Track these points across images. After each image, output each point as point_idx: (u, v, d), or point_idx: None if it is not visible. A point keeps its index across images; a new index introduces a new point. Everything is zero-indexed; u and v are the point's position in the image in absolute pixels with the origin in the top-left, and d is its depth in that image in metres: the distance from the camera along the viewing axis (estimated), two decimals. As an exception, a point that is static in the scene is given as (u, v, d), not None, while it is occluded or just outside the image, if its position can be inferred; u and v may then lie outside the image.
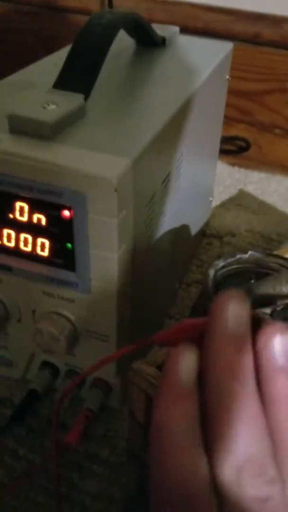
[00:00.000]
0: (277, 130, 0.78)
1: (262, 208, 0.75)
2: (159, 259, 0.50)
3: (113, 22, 0.42)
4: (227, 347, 0.20)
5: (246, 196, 0.77)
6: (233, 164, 0.81)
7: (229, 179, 0.79)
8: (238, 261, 0.34)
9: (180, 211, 0.54)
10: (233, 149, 0.81)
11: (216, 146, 0.62)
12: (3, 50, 0.88)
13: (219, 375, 0.20)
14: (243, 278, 0.33)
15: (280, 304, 0.28)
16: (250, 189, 0.78)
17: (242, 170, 0.81)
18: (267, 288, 0.30)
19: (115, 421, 0.45)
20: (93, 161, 0.33)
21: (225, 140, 0.81)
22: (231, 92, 0.79)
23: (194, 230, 0.62)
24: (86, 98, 0.38)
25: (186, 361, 0.22)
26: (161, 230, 0.48)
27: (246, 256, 0.34)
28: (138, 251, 0.42)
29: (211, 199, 0.68)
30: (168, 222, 0.51)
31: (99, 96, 0.41)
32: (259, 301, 0.29)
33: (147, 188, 0.40)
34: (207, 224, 0.70)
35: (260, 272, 0.32)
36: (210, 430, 0.20)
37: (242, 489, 0.18)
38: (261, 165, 0.81)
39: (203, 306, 0.31)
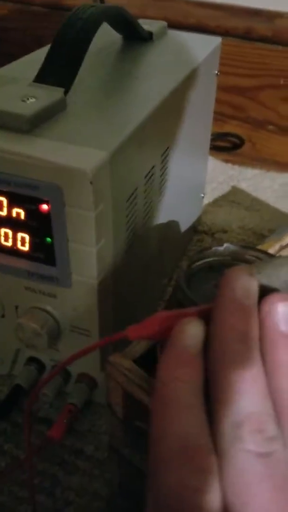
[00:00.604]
0: (270, 127, 0.78)
1: (255, 204, 0.75)
2: (145, 254, 0.50)
3: (95, 15, 0.41)
4: (234, 314, 0.21)
5: (239, 193, 0.77)
6: (226, 161, 0.81)
7: (223, 176, 0.79)
8: (214, 254, 0.34)
9: (169, 206, 0.54)
10: (227, 146, 0.81)
11: (206, 141, 0.62)
12: (3, 49, 0.88)
13: (223, 338, 0.20)
14: (218, 271, 0.33)
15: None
16: (244, 185, 0.78)
17: (236, 167, 0.80)
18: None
19: (100, 416, 0.45)
20: (69, 154, 0.32)
21: (218, 136, 0.80)
22: (224, 88, 0.79)
23: (184, 226, 0.62)
24: (67, 92, 0.38)
25: (193, 329, 0.22)
26: (146, 225, 0.48)
27: (221, 248, 0.34)
28: (121, 246, 0.42)
29: (202, 195, 0.68)
30: (155, 217, 0.51)
31: (82, 90, 0.41)
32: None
33: (127, 182, 0.40)
34: (198, 221, 0.69)
35: (236, 264, 0.31)
36: (213, 389, 0.20)
37: (241, 444, 0.18)
38: (255, 161, 0.80)
39: (176, 299, 0.30)
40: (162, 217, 0.53)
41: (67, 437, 0.43)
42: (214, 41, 0.56)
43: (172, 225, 0.57)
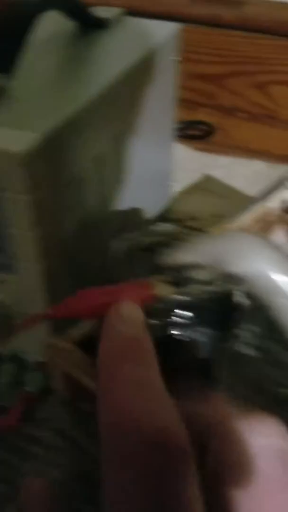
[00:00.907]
0: (241, 114, 0.78)
1: (227, 192, 0.74)
2: (104, 240, 0.49)
3: (41, 1, 0.41)
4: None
5: (211, 181, 0.76)
6: (199, 149, 0.81)
7: (195, 164, 0.79)
8: (150, 234, 0.34)
9: (129, 195, 0.54)
10: (199, 134, 0.81)
11: (169, 129, 0.61)
12: None
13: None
14: (154, 251, 0.33)
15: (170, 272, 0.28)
16: (216, 173, 0.77)
17: (208, 155, 0.80)
18: (172, 257, 0.29)
19: (58, 404, 0.45)
20: (1, 137, 0.32)
21: (189, 125, 0.80)
22: (193, 76, 0.78)
23: (150, 214, 0.61)
24: (8, 78, 0.38)
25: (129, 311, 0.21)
26: (102, 211, 0.48)
27: (157, 228, 0.34)
28: (70, 231, 0.42)
29: (170, 183, 0.67)
30: (112, 204, 0.50)
31: (27, 75, 0.41)
32: (161, 271, 0.29)
33: (71, 167, 0.39)
34: (168, 210, 0.69)
35: (172, 244, 0.31)
36: None
37: None
38: (227, 149, 0.80)
39: (110, 278, 0.30)
40: (122, 204, 0.53)
41: (24, 425, 0.43)
42: (171, 27, 0.55)
43: (135, 213, 0.57)
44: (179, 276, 0.28)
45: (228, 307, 0.31)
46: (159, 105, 0.56)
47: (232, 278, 0.27)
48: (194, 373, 0.31)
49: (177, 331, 0.30)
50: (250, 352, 0.27)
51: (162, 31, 0.54)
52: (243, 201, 0.73)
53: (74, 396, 0.36)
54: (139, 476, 0.16)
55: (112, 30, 0.53)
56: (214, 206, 0.72)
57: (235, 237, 0.27)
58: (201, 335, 0.30)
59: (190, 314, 0.29)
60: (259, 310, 0.29)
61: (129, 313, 0.22)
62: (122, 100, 0.47)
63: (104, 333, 0.21)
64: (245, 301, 0.29)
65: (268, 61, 0.73)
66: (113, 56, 0.48)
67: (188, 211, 0.71)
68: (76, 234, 0.43)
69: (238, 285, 0.28)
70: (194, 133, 0.81)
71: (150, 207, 0.62)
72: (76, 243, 0.44)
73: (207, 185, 0.76)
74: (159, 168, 0.63)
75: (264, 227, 0.51)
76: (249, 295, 0.28)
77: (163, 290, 0.27)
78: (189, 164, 0.79)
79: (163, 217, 0.68)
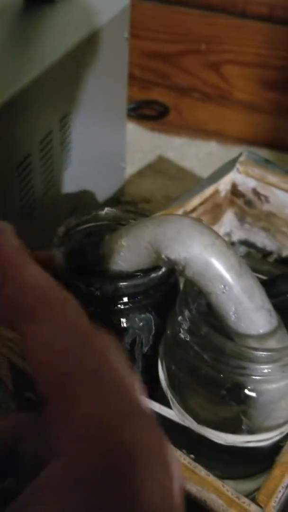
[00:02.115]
0: (195, 94, 0.77)
1: (180, 174, 0.74)
2: (53, 223, 0.49)
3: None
4: None
5: (164, 162, 0.76)
6: (153, 130, 0.80)
7: (149, 145, 0.78)
8: (95, 218, 0.33)
9: (79, 176, 0.53)
10: (153, 114, 0.80)
11: (121, 109, 0.60)
12: None
13: None
14: (98, 236, 0.32)
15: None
16: (170, 155, 0.77)
17: (162, 136, 0.80)
18: (110, 242, 0.29)
19: (4, 391, 0.45)
20: None
21: (143, 104, 0.79)
22: (147, 54, 0.77)
23: (102, 197, 0.61)
24: None
25: None
26: (51, 194, 0.47)
27: (102, 213, 0.33)
28: (15, 214, 0.41)
29: (123, 165, 0.66)
30: (62, 186, 0.49)
31: None
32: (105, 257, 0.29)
33: (15, 147, 0.38)
34: (121, 192, 0.69)
35: (117, 229, 0.31)
36: None
37: None
38: (182, 130, 0.80)
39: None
40: (72, 186, 0.52)
41: None
42: (121, 3, 0.54)
43: (85, 196, 0.56)
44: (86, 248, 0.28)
45: (167, 293, 0.31)
46: (110, 84, 0.55)
47: (168, 263, 0.27)
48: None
49: (115, 316, 0.30)
50: (185, 335, 0.27)
51: (111, 7, 0.53)
52: (195, 183, 0.73)
53: (18, 384, 0.35)
54: None
55: (59, 5, 0.52)
56: (167, 188, 0.72)
57: (171, 221, 0.27)
58: (138, 319, 0.30)
59: (126, 299, 0.29)
60: (195, 294, 0.29)
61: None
62: (69, 78, 0.46)
63: None
64: (181, 285, 0.29)
65: (221, 41, 0.72)
66: (60, 31, 0.46)
67: (141, 193, 0.70)
68: (24, 217, 0.42)
69: (174, 269, 0.28)
70: (148, 113, 0.80)
71: (103, 189, 0.61)
72: (23, 227, 0.43)
73: (160, 167, 0.75)
74: (111, 149, 0.62)
75: (213, 209, 0.51)
76: (185, 279, 0.28)
77: (63, 262, 0.27)
78: (142, 145, 0.78)
79: (116, 199, 0.67)
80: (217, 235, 0.27)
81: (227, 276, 0.26)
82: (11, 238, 0.21)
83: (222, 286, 0.26)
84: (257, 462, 0.30)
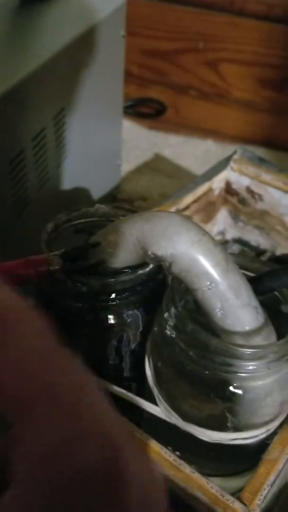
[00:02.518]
0: (192, 92, 0.77)
1: (176, 172, 0.74)
2: (46, 220, 0.49)
3: None
4: None
5: (161, 160, 0.76)
6: (150, 128, 0.80)
7: (146, 143, 0.78)
8: (85, 215, 0.33)
9: (74, 173, 0.53)
10: (150, 112, 0.80)
11: (117, 106, 0.60)
12: None
13: None
14: (88, 232, 0.32)
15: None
16: (167, 152, 0.77)
17: (160, 134, 0.79)
18: (98, 238, 0.29)
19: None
20: None
21: (140, 102, 0.79)
22: (145, 52, 0.77)
23: (97, 194, 0.60)
24: None
25: None
26: (45, 191, 0.47)
27: (92, 209, 0.33)
28: (7, 210, 0.40)
29: (119, 162, 0.66)
30: (55, 183, 0.49)
31: None
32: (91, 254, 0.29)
33: (8, 143, 0.38)
34: (117, 189, 0.69)
35: (106, 225, 0.31)
36: None
37: None
38: (179, 128, 0.79)
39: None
40: (67, 183, 0.52)
41: None
42: (117, 0, 0.54)
43: (81, 192, 0.56)
44: (81, 252, 0.28)
45: (155, 290, 0.31)
46: (106, 81, 0.55)
47: (155, 259, 0.27)
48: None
49: (102, 313, 0.30)
50: (171, 331, 0.27)
51: (107, 5, 0.52)
52: (191, 181, 0.73)
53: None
54: None
55: (56, 3, 0.51)
56: (163, 186, 0.71)
57: (160, 217, 0.27)
58: (126, 316, 0.30)
59: (113, 295, 0.29)
60: (182, 291, 0.29)
61: None
62: (64, 75, 0.46)
63: None
64: (169, 282, 0.29)
65: (219, 39, 0.72)
66: (55, 28, 0.46)
67: (137, 191, 0.70)
68: (16, 213, 0.42)
69: (162, 266, 0.28)
70: (146, 111, 0.80)
71: (98, 186, 0.61)
72: (14, 224, 0.43)
73: (157, 165, 0.75)
74: (106, 146, 0.62)
75: (206, 207, 0.51)
76: (172, 276, 0.28)
77: (58, 265, 0.27)
78: (139, 143, 0.78)
79: (112, 196, 0.67)
80: (204, 231, 0.27)
81: (213, 272, 0.26)
82: None
83: (208, 282, 0.26)
84: (244, 460, 0.30)
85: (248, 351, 0.26)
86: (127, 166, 0.73)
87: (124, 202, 0.69)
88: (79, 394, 0.17)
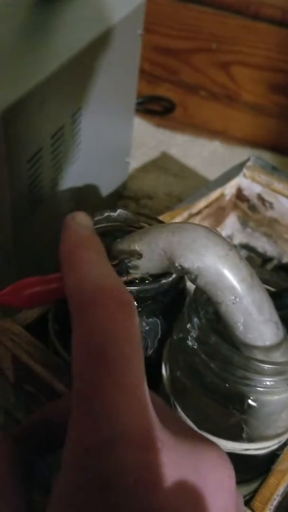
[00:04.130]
0: (202, 92, 0.77)
1: (182, 171, 0.74)
2: (56, 217, 0.49)
3: None
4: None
5: (168, 159, 0.76)
6: (158, 125, 0.80)
7: (153, 141, 0.78)
8: (107, 219, 0.33)
9: (85, 170, 0.53)
10: (159, 110, 0.79)
11: (130, 104, 0.60)
12: None
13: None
14: (112, 236, 0.32)
15: (122, 259, 0.28)
16: (173, 151, 0.77)
17: (167, 132, 0.79)
18: (123, 245, 0.29)
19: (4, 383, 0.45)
20: None
21: (150, 99, 0.79)
22: (158, 49, 0.77)
23: (105, 191, 0.61)
24: None
25: (83, 216, 0.24)
26: (58, 188, 0.47)
27: (115, 214, 0.33)
28: (22, 206, 0.40)
29: (128, 160, 0.66)
30: (68, 180, 0.49)
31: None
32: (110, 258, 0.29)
33: (29, 141, 0.38)
34: (124, 186, 0.69)
35: (130, 231, 0.31)
36: None
37: None
38: (186, 127, 0.80)
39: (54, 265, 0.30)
40: (77, 180, 0.52)
41: None
42: (136, 0, 0.54)
43: (90, 190, 0.56)
44: (125, 264, 0.28)
45: (175, 298, 0.31)
46: (121, 79, 0.55)
47: (181, 271, 0.27)
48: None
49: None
50: (192, 342, 0.28)
51: (127, 4, 0.52)
52: (197, 182, 0.74)
53: (18, 377, 0.36)
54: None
55: (74, 1, 0.51)
56: (169, 186, 0.72)
57: (186, 229, 0.27)
58: (146, 323, 0.30)
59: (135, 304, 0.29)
60: (205, 302, 0.29)
61: (81, 218, 0.24)
62: (83, 73, 0.46)
63: (63, 233, 0.23)
64: (192, 294, 0.29)
65: (232, 41, 0.72)
66: (75, 27, 0.46)
67: (143, 189, 0.70)
68: (28, 211, 0.42)
69: (186, 277, 0.28)
70: (154, 108, 0.80)
71: (106, 184, 0.61)
72: (28, 220, 0.43)
73: (163, 163, 0.75)
74: (117, 144, 0.62)
75: (217, 212, 0.52)
76: (197, 288, 0.28)
77: None
78: (147, 140, 0.78)
79: (118, 193, 0.67)
80: (231, 246, 0.28)
81: (238, 287, 0.27)
82: (81, 235, 0.23)
83: (233, 297, 0.27)
84: (253, 469, 0.31)
85: (268, 367, 0.26)
86: (133, 163, 0.73)
87: (130, 199, 0.69)
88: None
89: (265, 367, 0.26)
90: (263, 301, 0.27)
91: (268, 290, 0.30)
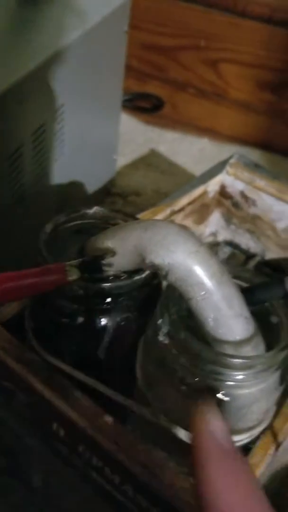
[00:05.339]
0: (191, 89, 0.77)
1: (171, 168, 0.75)
2: (40, 214, 0.49)
3: None
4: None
5: (156, 156, 0.76)
6: (147, 122, 0.80)
7: (142, 138, 0.78)
8: (83, 217, 0.34)
9: (70, 166, 0.53)
10: (148, 107, 0.80)
11: (116, 102, 0.60)
12: None
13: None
14: (86, 233, 0.33)
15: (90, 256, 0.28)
16: (162, 148, 0.77)
17: (156, 129, 0.80)
18: (96, 242, 0.29)
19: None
20: None
21: (138, 96, 0.79)
22: (146, 46, 0.77)
23: (92, 188, 0.61)
24: None
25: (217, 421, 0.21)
26: (41, 184, 0.47)
27: (91, 211, 0.34)
28: (4, 202, 0.41)
29: (115, 157, 0.67)
30: (52, 176, 0.50)
31: None
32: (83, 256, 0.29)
33: (8, 138, 0.38)
34: (112, 183, 0.69)
35: (105, 228, 0.31)
36: None
37: None
38: (176, 124, 0.80)
39: (37, 261, 0.30)
40: (63, 176, 0.52)
41: None
42: (122, -4, 0.54)
43: (76, 186, 0.57)
44: (99, 262, 0.29)
45: (150, 294, 0.32)
46: (106, 77, 0.55)
47: (152, 267, 0.28)
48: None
49: (95, 316, 0.30)
50: (163, 337, 0.28)
51: (111, 1, 0.52)
52: (186, 179, 0.74)
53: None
54: None
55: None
56: (157, 183, 0.72)
57: (158, 226, 0.28)
58: (120, 319, 0.31)
59: (109, 299, 0.30)
60: (178, 299, 0.29)
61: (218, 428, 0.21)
62: (67, 70, 0.46)
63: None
64: (164, 290, 0.30)
65: (220, 38, 0.72)
66: (58, 24, 0.46)
67: (131, 185, 0.71)
68: (10, 207, 0.42)
69: (158, 273, 0.28)
70: (143, 105, 0.80)
71: (93, 181, 0.61)
72: (10, 216, 0.43)
73: (152, 160, 0.76)
74: (104, 142, 0.62)
75: (200, 209, 0.52)
76: (168, 284, 0.29)
77: (76, 275, 0.28)
78: (135, 137, 0.78)
79: (106, 190, 0.68)
80: (201, 243, 0.28)
81: (208, 283, 0.27)
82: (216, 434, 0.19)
83: (203, 292, 0.27)
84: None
85: (237, 361, 0.27)
86: (122, 160, 0.73)
87: (118, 196, 0.69)
88: None
89: (234, 362, 0.26)
90: (233, 296, 0.28)
91: (241, 286, 0.31)
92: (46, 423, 0.33)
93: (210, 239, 0.56)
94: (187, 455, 0.31)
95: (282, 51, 0.70)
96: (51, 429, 0.33)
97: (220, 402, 0.28)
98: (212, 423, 0.20)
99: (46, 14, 0.47)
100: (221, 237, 0.55)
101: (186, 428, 0.29)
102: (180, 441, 0.30)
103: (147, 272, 0.30)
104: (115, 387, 0.31)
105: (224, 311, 0.27)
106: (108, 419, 0.29)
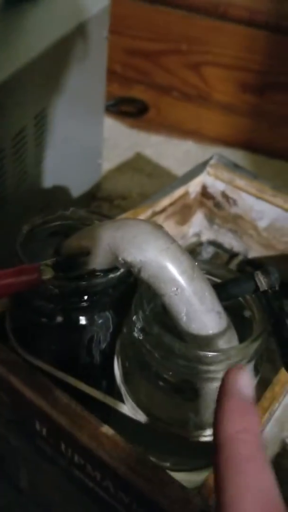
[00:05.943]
0: (175, 93, 0.78)
1: (157, 171, 0.75)
2: (23, 219, 0.49)
3: None
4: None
5: (142, 159, 0.77)
6: (132, 126, 0.81)
7: (127, 142, 0.79)
8: (60, 218, 0.34)
9: (53, 171, 0.53)
10: (133, 111, 0.81)
11: (99, 106, 0.61)
12: None
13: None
14: (63, 234, 0.33)
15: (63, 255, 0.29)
16: (148, 152, 0.78)
17: (141, 133, 0.81)
18: (72, 242, 0.30)
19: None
20: None
21: (123, 101, 0.80)
22: (129, 51, 0.78)
23: (76, 192, 0.61)
24: None
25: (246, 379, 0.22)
26: (24, 187, 0.48)
27: (67, 212, 0.34)
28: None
29: (99, 161, 0.67)
30: (35, 180, 0.50)
31: None
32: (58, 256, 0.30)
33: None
34: (98, 187, 0.69)
35: (81, 228, 0.32)
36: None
37: None
38: (160, 127, 0.81)
39: (13, 262, 0.31)
40: (46, 180, 0.53)
41: None
42: (101, 2, 0.54)
43: (60, 190, 0.57)
44: (73, 261, 0.29)
45: (125, 292, 0.32)
46: (88, 81, 0.56)
47: (125, 265, 0.28)
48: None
49: (73, 314, 0.31)
50: (138, 333, 0.29)
51: (91, 7, 0.53)
52: (171, 182, 0.74)
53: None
54: None
55: (40, 4, 0.52)
56: (143, 186, 0.73)
57: (130, 225, 0.28)
58: (97, 317, 0.31)
59: (84, 297, 0.30)
60: (153, 296, 0.30)
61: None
62: (47, 75, 0.47)
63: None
64: (139, 287, 0.30)
65: (202, 42, 0.73)
66: (38, 30, 0.47)
67: (117, 189, 0.71)
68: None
69: (131, 271, 0.29)
70: (128, 109, 0.81)
71: (78, 185, 0.62)
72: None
73: (137, 164, 0.76)
74: (87, 146, 0.63)
75: (182, 210, 0.53)
76: (141, 282, 0.29)
77: (50, 274, 0.28)
78: (121, 142, 0.79)
79: (91, 195, 0.68)
80: (172, 240, 0.28)
81: (179, 279, 0.28)
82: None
83: (175, 288, 0.28)
84: (204, 457, 0.32)
85: (209, 354, 0.27)
86: (107, 165, 0.74)
87: (104, 200, 0.70)
88: None
89: (206, 355, 0.27)
90: (205, 291, 0.28)
91: (215, 282, 0.31)
92: (29, 423, 0.34)
93: (194, 239, 0.56)
94: (168, 451, 0.32)
95: (263, 53, 0.71)
96: (35, 429, 0.33)
97: (195, 396, 0.28)
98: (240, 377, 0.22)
99: (27, 19, 0.48)
100: (204, 237, 0.56)
101: (165, 422, 0.29)
102: (159, 436, 0.30)
103: (121, 270, 0.30)
104: (95, 384, 0.31)
105: (196, 306, 0.28)
106: (88, 416, 0.30)
